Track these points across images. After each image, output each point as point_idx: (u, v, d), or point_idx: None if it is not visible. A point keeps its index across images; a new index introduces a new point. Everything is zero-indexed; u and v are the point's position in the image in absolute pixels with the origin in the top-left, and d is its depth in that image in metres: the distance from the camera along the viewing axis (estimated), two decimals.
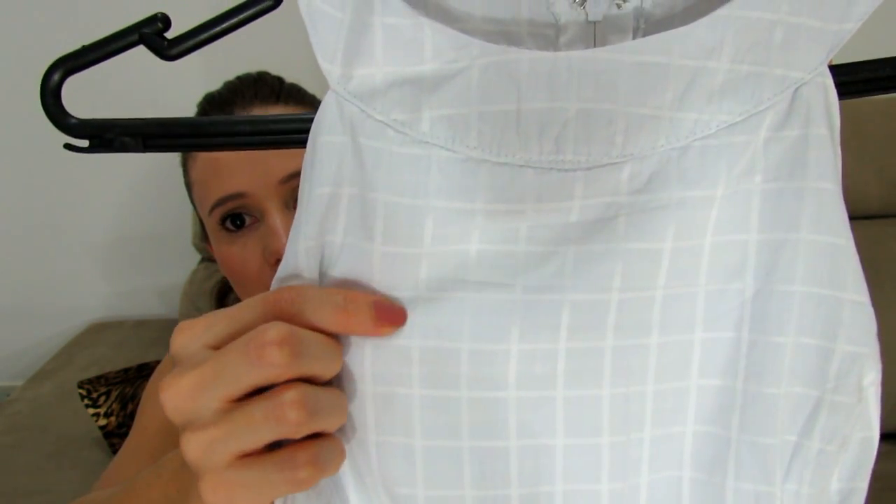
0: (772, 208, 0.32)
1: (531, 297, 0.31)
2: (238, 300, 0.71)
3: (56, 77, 0.38)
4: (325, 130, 0.32)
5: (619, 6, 0.32)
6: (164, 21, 0.37)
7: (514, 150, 0.31)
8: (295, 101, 0.70)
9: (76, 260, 1.60)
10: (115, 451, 1.13)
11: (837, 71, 0.32)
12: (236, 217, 0.65)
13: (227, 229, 0.65)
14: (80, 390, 1.17)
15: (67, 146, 0.37)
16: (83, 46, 0.38)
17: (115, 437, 1.14)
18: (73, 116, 0.37)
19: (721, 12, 0.30)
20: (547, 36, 0.33)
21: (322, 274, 0.32)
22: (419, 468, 0.32)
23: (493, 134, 0.31)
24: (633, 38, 0.33)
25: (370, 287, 0.32)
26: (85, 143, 0.37)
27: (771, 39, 0.30)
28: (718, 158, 0.31)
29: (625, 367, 0.32)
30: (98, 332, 1.54)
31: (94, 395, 1.17)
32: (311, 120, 0.33)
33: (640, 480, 0.33)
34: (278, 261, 0.55)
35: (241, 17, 0.36)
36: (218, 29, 0.37)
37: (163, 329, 1.50)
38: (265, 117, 0.36)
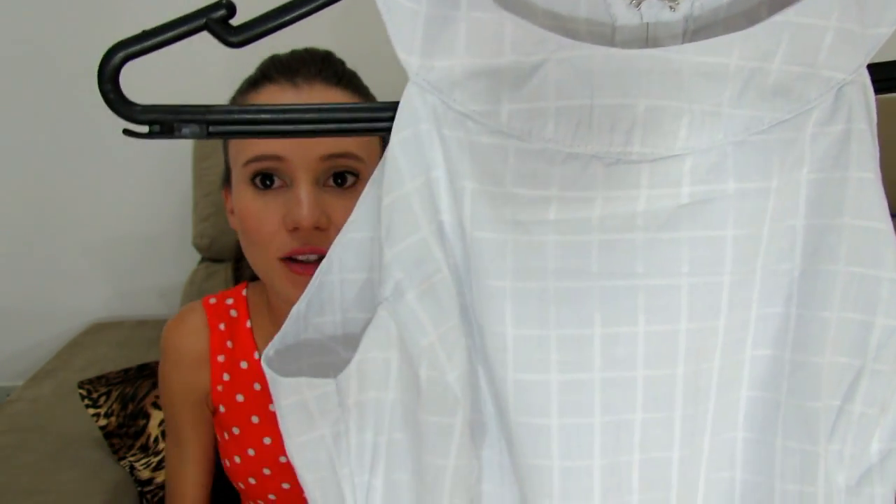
0: (817, 196, 0.35)
1: (608, 283, 0.35)
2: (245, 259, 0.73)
3: (115, 61, 0.36)
4: (410, 122, 0.34)
5: (672, 9, 0.34)
6: (229, 7, 0.37)
7: (587, 141, 0.33)
8: (353, 89, 0.70)
9: (76, 260, 1.60)
10: (115, 451, 1.13)
11: (874, 70, 0.35)
12: (267, 176, 0.66)
13: (256, 186, 0.66)
14: (81, 390, 1.17)
15: (127, 132, 0.37)
16: (144, 31, 0.37)
17: (115, 437, 1.14)
18: (134, 102, 0.37)
19: (778, 18, 0.32)
20: (604, 34, 0.35)
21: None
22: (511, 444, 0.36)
23: (568, 127, 0.33)
24: (683, 40, 0.35)
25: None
26: (144, 128, 0.37)
27: (821, 44, 0.33)
28: (772, 153, 0.34)
29: (697, 347, 0.35)
30: (98, 332, 1.54)
31: (95, 395, 1.16)
32: (375, 109, 0.35)
33: (703, 445, 0.36)
34: (296, 228, 0.62)
35: (309, 7, 0.36)
36: (284, 19, 0.37)
37: (162, 329, 1.50)
38: (330, 106, 0.37)
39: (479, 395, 0.36)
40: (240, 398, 0.78)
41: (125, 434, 1.14)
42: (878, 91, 0.34)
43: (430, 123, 0.34)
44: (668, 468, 0.36)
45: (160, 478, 1.11)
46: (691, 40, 0.35)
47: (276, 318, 0.77)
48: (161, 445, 1.13)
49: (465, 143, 0.34)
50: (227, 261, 1.41)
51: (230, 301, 0.81)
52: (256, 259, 0.69)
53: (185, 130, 0.36)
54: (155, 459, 1.12)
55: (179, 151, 1.50)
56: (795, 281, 0.35)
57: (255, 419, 0.79)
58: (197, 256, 1.49)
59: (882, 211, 0.35)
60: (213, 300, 0.82)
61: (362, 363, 0.35)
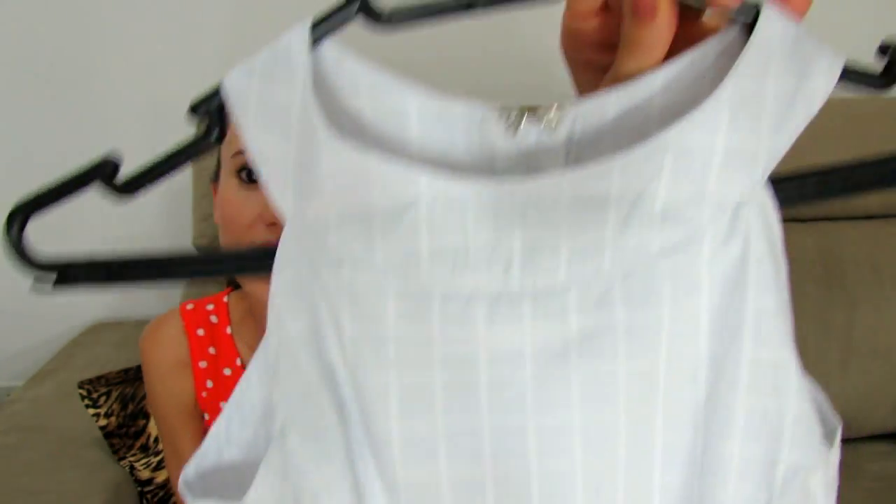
0: (718, 323, 0.32)
1: (498, 423, 0.32)
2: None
3: (17, 224, 0.39)
4: (289, 264, 0.33)
5: (550, 131, 0.32)
6: (115, 165, 0.40)
7: (465, 280, 0.31)
8: None
9: None
10: (115, 452, 1.13)
11: (775, 184, 0.32)
12: (251, 172, 0.68)
13: (241, 179, 0.69)
14: (81, 391, 1.17)
15: (35, 286, 0.38)
16: (38, 194, 0.41)
17: (115, 437, 1.14)
18: (35, 260, 0.39)
19: (660, 138, 0.30)
20: (484, 161, 0.33)
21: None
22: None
23: (444, 267, 0.31)
24: (566, 161, 0.33)
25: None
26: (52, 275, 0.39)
27: (710, 163, 0.30)
28: (663, 280, 0.31)
29: (595, 485, 0.33)
30: (98, 332, 1.54)
31: (95, 395, 1.16)
32: (259, 255, 0.35)
33: None
34: (273, 223, 0.64)
35: (188, 157, 0.38)
36: (167, 170, 0.40)
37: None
38: (222, 253, 0.39)
39: None
40: (223, 405, 0.78)
41: (125, 434, 1.14)
42: (782, 205, 0.32)
43: (308, 266, 0.33)
44: None
45: (160, 478, 1.12)
46: (575, 162, 0.33)
47: (259, 322, 0.76)
48: (161, 445, 1.13)
49: (345, 286, 0.32)
50: None
51: (210, 307, 0.81)
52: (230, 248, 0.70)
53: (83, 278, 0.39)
54: (155, 459, 1.12)
55: None
56: (701, 409, 0.33)
57: None
58: None
59: (784, 340, 0.33)
60: (190, 306, 0.82)
61: (257, 499, 0.34)
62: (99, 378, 1.19)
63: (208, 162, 1.40)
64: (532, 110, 0.32)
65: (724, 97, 0.30)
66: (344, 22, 0.32)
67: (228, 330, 0.80)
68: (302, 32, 0.32)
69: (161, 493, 1.11)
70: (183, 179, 1.51)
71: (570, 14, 0.34)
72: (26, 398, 1.29)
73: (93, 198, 1.57)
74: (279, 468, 0.34)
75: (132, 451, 1.13)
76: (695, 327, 0.32)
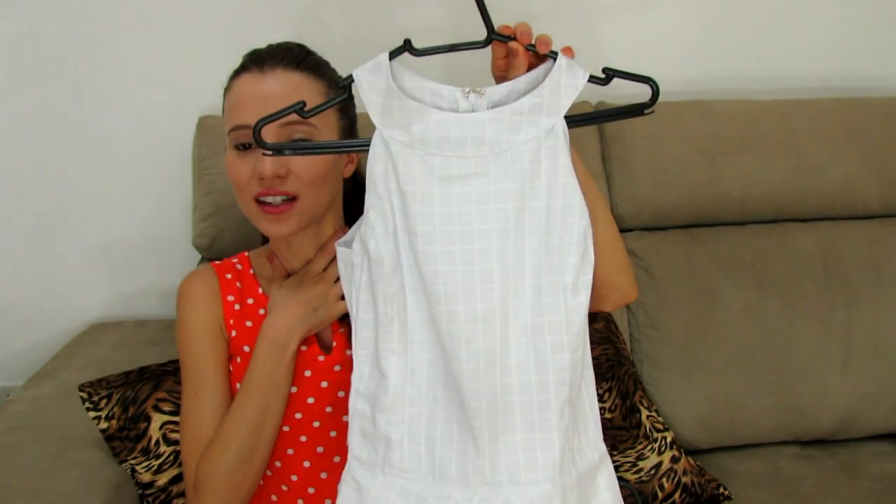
0: (547, 185, 0.70)
1: (459, 210, 0.71)
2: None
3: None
4: (375, 149, 0.71)
5: (481, 97, 0.71)
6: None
7: (450, 151, 0.70)
8: (311, 71, 0.89)
9: (76, 260, 1.60)
10: (116, 454, 1.13)
11: (568, 118, 0.71)
12: (244, 143, 0.87)
13: (238, 149, 0.88)
14: (82, 393, 1.17)
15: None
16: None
17: (115, 440, 1.14)
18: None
19: (522, 101, 0.69)
20: (454, 108, 0.71)
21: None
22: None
23: (440, 144, 0.69)
24: (487, 108, 0.70)
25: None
26: None
27: (539, 107, 0.69)
28: (522, 156, 0.70)
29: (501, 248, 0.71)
30: (98, 332, 1.54)
31: (95, 398, 1.16)
32: (355, 144, 0.77)
33: (509, 285, 0.71)
34: (261, 178, 0.85)
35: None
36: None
37: (163, 329, 1.50)
38: (332, 143, 0.85)
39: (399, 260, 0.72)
40: (248, 323, 0.95)
41: (126, 437, 1.14)
42: (569, 126, 0.71)
43: (384, 152, 0.71)
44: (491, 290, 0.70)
45: (161, 481, 1.11)
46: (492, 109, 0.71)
47: (278, 255, 0.98)
48: (162, 448, 1.13)
49: (400, 156, 0.70)
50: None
51: (235, 261, 1.01)
52: (240, 203, 0.90)
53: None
54: (156, 462, 1.12)
55: (179, 151, 1.51)
56: (544, 227, 0.70)
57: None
58: (197, 256, 1.49)
59: (575, 188, 0.70)
60: (218, 262, 1.01)
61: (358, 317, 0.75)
62: (100, 381, 1.19)
63: (209, 163, 1.40)
64: (476, 90, 0.70)
65: (545, 85, 0.70)
66: (400, 53, 0.72)
67: (251, 271, 1.00)
68: (385, 55, 0.70)
69: (162, 497, 1.11)
70: (184, 180, 1.51)
71: (494, 59, 0.75)
72: (26, 398, 1.29)
73: (93, 195, 1.57)
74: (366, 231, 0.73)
75: (133, 454, 1.13)
76: (538, 187, 0.70)
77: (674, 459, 1.29)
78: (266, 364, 0.88)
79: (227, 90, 0.91)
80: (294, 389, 0.92)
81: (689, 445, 1.41)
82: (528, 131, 0.69)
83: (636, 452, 1.28)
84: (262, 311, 0.95)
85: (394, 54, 0.71)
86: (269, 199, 0.86)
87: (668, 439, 1.31)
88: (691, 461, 1.31)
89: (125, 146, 1.55)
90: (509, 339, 0.70)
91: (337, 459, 0.93)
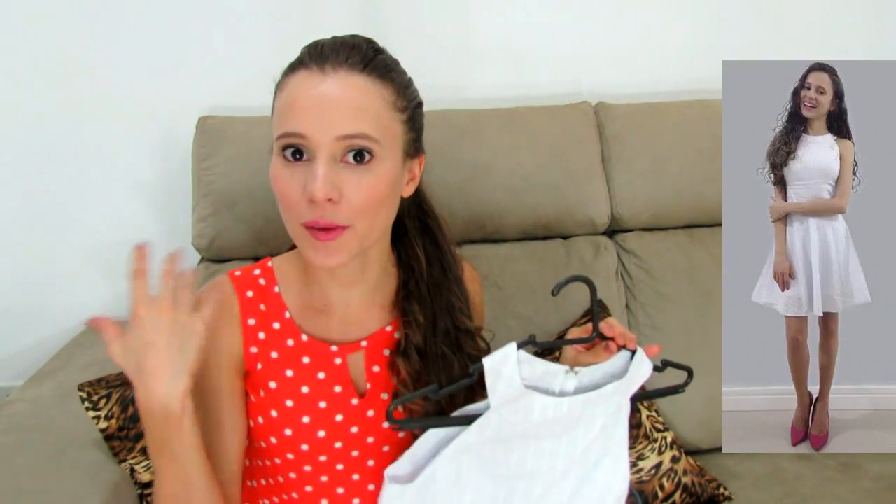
0: (605, 436, 0.83)
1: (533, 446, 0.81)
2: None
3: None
4: (487, 416, 0.76)
5: (575, 375, 0.79)
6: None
7: (536, 415, 0.78)
8: (378, 74, 0.77)
9: (76, 260, 1.60)
10: (115, 454, 1.13)
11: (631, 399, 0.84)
12: (297, 151, 0.75)
13: (286, 157, 0.75)
14: (81, 393, 1.17)
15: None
16: None
17: (115, 440, 1.14)
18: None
19: (603, 389, 0.79)
20: (549, 389, 0.79)
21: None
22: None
23: (539, 427, 0.78)
24: (576, 389, 0.79)
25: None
26: None
27: (617, 390, 0.80)
28: (595, 423, 0.81)
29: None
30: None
31: (95, 397, 1.16)
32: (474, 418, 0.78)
33: None
34: (311, 200, 0.73)
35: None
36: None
37: None
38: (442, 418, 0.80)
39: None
40: (274, 355, 0.83)
41: (125, 437, 1.14)
42: (633, 402, 0.84)
43: (497, 416, 0.77)
44: None
45: None
46: (581, 389, 0.80)
47: (308, 280, 0.86)
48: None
49: (497, 424, 0.76)
50: (226, 261, 1.41)
51: (257, 272, 0.87)
52: (286, 222, 0.78)
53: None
54: None
55: (179, 152, 1.50)
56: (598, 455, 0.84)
57: (289, 373, 0.83)
58: (197, 257, 1.48)
59: (623, 441, 0.84)
60: (237, 272, 0.87)
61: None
62: (99, 380, 1.19)
63: (209, 163, 1.40)
64: (573, 370, 0.79)
65: (629, 375, 0.80)
66: (525, 345, 0.78)
67: (276, 289, 0.86)
68: (513, 346, 0.75)
69: None
70: (184, 180, 1.51)
71: (573, 348, 0.87)
72: (26, 398, 1.29)
73: (93, 195, 1.57)
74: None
75: (133, 454, 1.13)
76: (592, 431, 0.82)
77: (674, 459, 1.29)
78: (164, 442, 0.72)
79: (279, 86, 0.78)
80: (322, 434, 0.83)
81: (689, 445, 1.41)
82: (605, 407, 0.80)
83: (636, 452, 1.28)
84: (290, 342, 0.83)
85: (521, 346, 0.77)
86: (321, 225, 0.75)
87: (669, 439, 1.31)
88: (691, 461, 1.31)
89: (125, 146, 1.55)
90: None
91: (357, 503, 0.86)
